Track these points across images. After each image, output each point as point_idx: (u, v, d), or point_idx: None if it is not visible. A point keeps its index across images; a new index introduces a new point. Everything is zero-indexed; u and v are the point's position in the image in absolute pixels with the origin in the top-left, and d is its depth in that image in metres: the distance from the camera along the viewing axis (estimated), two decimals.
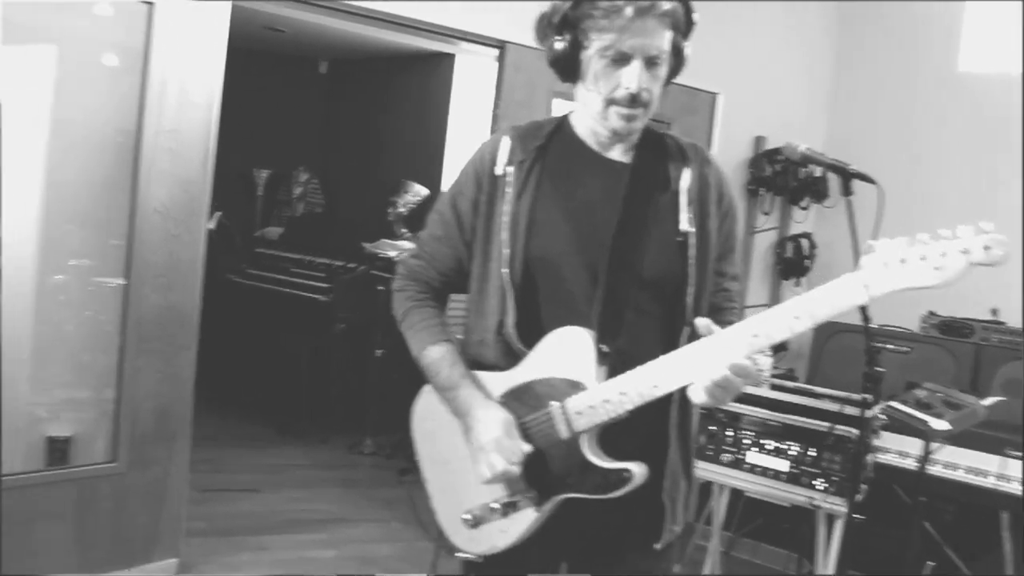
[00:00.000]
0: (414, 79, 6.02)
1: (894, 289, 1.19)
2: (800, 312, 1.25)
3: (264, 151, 6.44)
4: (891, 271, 1.19)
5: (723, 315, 1.55)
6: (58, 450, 2.79)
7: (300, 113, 6.77)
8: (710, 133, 4.25)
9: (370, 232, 5.30)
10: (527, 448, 1.43)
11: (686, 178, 1.51)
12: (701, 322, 1.32)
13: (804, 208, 4.74)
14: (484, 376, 1.52)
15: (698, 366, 1.31)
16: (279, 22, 5.31)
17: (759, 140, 4.63)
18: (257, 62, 6.13)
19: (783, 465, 2.69)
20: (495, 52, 3.73)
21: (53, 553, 2.76)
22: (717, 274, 1.56)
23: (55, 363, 2.80)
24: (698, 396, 1.33)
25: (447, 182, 5.73)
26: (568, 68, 1.47)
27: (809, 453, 2.65)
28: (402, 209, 5.37)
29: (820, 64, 4.91)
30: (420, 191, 5.41)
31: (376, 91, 6.49)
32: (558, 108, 3.74)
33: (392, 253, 4.84)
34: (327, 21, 3.85)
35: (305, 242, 5.65)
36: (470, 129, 5.53)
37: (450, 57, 5.55)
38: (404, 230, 5.33)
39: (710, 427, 2.80)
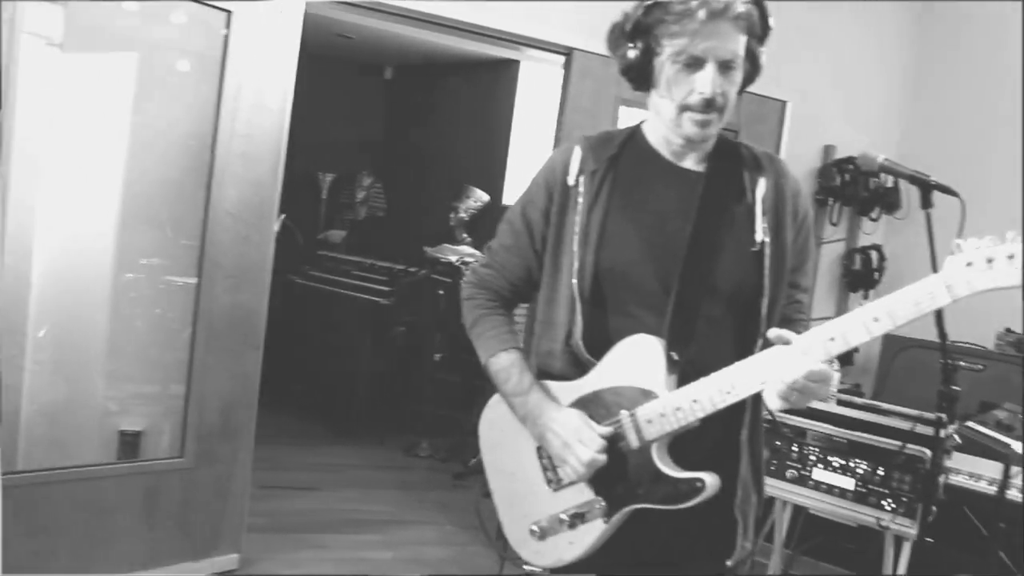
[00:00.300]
0: (479, 85, 6.05)
1: (980, 290, 1.15)
2: (879, 314, 1.22)
3: (329, 155, 6.55)
4: (976, 271, 1.15)
5: (793, 327, 1.52)
6: (129, 444, 2.87)
7: (365, 118, 6.86)
8: (779, 142, 4.18)
9: (431, 236, 5.34)
10: (605, 431, 1.41)
11: (761, 188, 1.48)
12: (774, 333, 1.30)
13: (874, 219, 4.62)
14: (551, 385, 1.51)
15: (773, 370, 1.29)
16: (348, 29, 5.40)
17: (828, 149, 4.54)
18: (324, 67, 6.24)
19: (849, 483, 2.62)
20: (561, 59, 3.72)
21: (123, 545, 2.83)
22: (790, 285, 1.53)
23: (126, 358, 2.89)
24: (774, 402, 1.31)
25: (509, 188, 5.70)
26: (641, 76, 1.45)
27: (877, 472, 2.57)
28: (464, 214, 5.40)
29: (894, 72, 4.78)
30: (482, 197, 5.44)
31: (440, 97, 6.54)
32: (625, 116, 3.71)
33: (453, 258, 4.87)
34: (394, 28, 3.89)
35: (367, 245, 5.72)
36: (534, 136, 5.53)
37: (515, 64, 5.56)
38: (465, 235, 5.36)
39: (775, 442, 2.75)
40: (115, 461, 2.83)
